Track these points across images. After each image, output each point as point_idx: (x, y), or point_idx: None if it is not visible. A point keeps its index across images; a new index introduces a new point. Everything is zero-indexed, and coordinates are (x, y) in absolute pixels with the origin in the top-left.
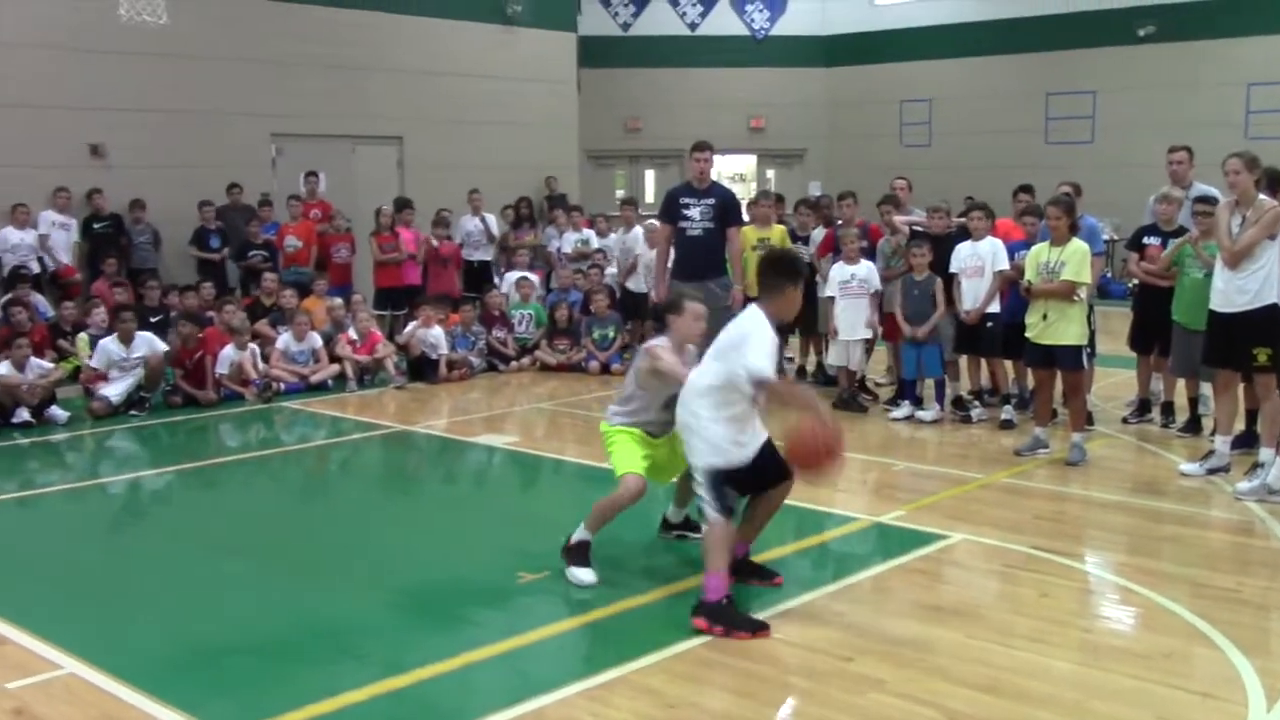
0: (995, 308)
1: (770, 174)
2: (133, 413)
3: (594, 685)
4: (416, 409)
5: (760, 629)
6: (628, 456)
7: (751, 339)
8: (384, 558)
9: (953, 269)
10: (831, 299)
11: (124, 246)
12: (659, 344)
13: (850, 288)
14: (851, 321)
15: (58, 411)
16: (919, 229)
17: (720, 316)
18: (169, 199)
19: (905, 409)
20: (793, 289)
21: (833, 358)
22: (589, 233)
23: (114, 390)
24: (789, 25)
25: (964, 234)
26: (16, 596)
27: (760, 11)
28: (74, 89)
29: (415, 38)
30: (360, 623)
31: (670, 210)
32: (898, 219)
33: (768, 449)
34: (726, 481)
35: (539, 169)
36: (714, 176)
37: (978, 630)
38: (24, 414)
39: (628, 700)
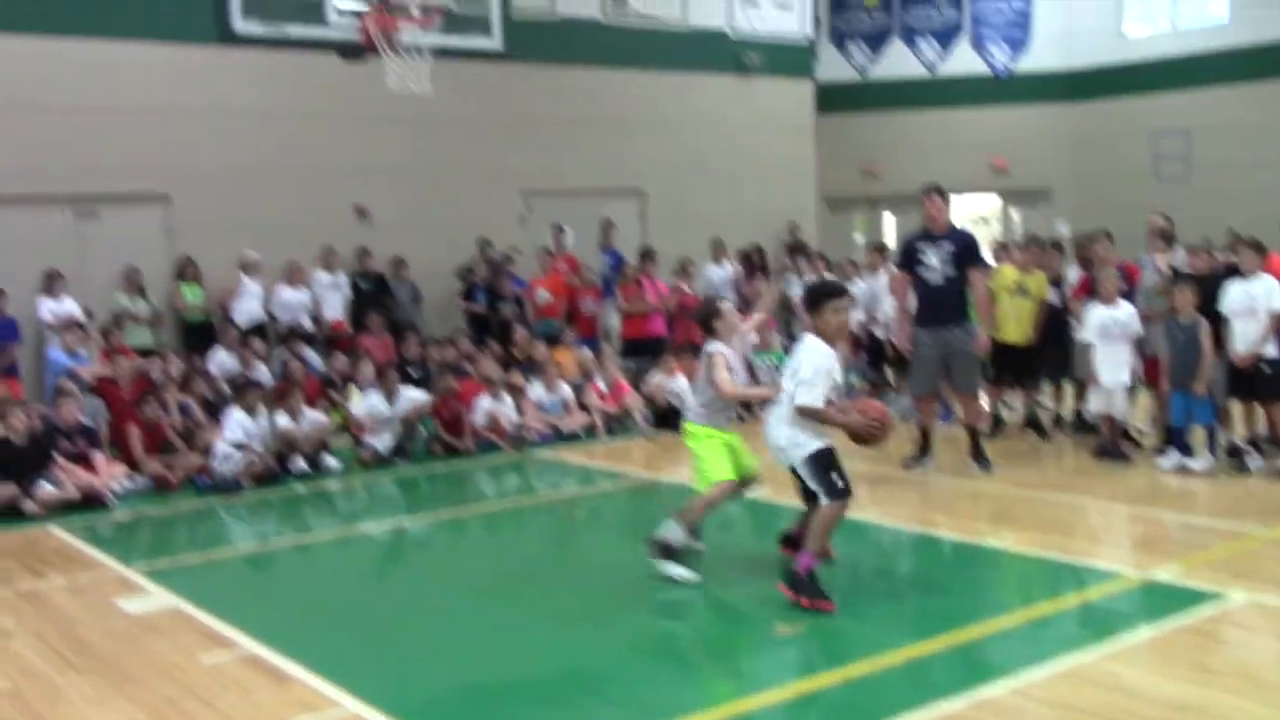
0: (1272, 349)
1: (1015, 214)
2: (398, 461)
3: None
4: (663, 458)
5: (828, 601)
6: (717, 463)
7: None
8: (638, 605)
9: (1222, 309)
10: (1089, 344)
11: (386, 303)
12: (718, 349)
13: (1110, 332)
14: (1112, 367)
15: (330, 460)
16: (1181, 270)
17: (962, 362)
18: (427, 256)
19: (1174, 458)
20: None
21: (1093, 405)
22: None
23: (381, 440)
24: (1032, 61)
25: (1230, 273)
26: (299, 636)
27: (1002, 49)
28: (342, 154)
29: (655, 92)
30: (619, 670)
31: (908, 257)
32: (1159, 258)
33: None
34: (834, 465)
35: (778, 216)
36: (955, 218)
37: (1269, 698)
38: (300, 463)
39: None
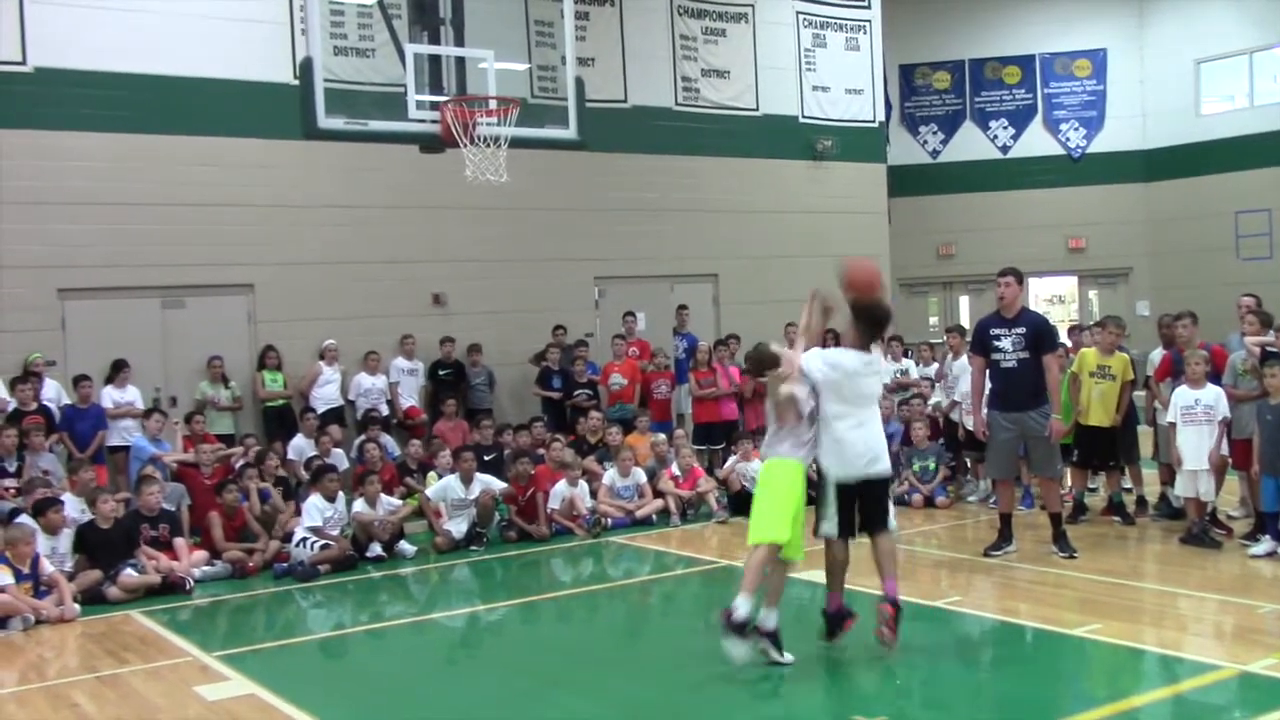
0: None
1: (1092, 295)
2: (472, 547)
3: None
4: (738, 544)
5: None
6: (777, 521)
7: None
8: (711, 695)
9: None
10: (1173, 425)
11: (462, 389)
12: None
13: (1194, 414)
14: (1197, 450)
15: (406, 546)
16: (1272, 350)
17: (1040, 445)
18: (501, 342)
19: (1266, 544)
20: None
21: (1179, 488)
22: (908, 363)
23: (456, 526)
24: (1107, 141)
25: None
26: None
27: (1076, 130)
28: (420, 244)
29: (728, 177)
30: None
31: (981, 342)
32: (1250, 340)
33: None
34: None
35: None
36: (1031, 300)
37: None
38: (376, 548)
39: None
